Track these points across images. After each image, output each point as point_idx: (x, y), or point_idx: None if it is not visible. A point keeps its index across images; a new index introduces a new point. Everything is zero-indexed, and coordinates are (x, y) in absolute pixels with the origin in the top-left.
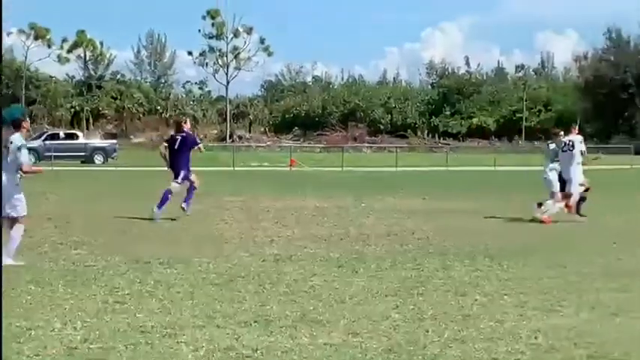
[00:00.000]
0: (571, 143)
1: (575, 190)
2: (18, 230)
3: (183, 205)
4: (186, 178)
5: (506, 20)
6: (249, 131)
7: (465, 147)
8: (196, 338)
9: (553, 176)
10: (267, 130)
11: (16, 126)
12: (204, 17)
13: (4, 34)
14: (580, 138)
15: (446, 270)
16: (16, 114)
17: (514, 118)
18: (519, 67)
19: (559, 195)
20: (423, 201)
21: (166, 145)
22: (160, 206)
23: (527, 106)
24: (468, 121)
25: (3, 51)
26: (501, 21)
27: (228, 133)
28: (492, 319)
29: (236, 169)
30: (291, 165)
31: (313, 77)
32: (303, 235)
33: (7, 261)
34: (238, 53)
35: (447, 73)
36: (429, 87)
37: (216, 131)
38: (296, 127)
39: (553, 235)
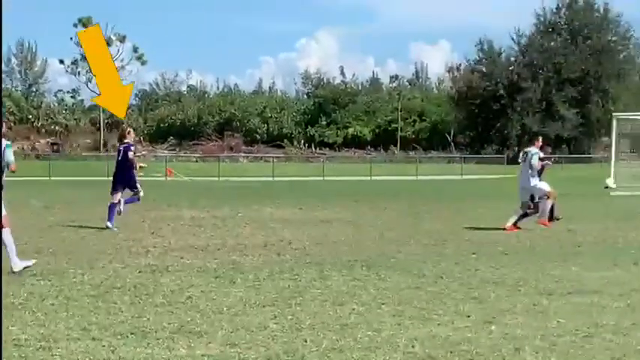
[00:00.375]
0: (526, 154)
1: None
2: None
3: (120, 208)
4: (132, 187)
5: (381, 31)
6: None
7: (341, 157)
8: (71, 351)
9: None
10: (141, 139)
11: None
12: (75, 25)
13: None
14: (535, 150)
15: (323, 280)
16: None
17: (389, 128)
18: (394, 78)
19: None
20: (299, 211)
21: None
22: (110, 219)
23: (402, 116)
24: (344, 130)
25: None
26: (376, 31)
27: (101, 143)
28: (370, 328)
29: (110, 179)
30: (167, 175)
31: (188, 86)
32: (180, 246)
33: (16, 266)
34: None
35: (322, 83)
36: (305, 97)
37: (89, 140)
38: (171, 137)
39: (427, 243)
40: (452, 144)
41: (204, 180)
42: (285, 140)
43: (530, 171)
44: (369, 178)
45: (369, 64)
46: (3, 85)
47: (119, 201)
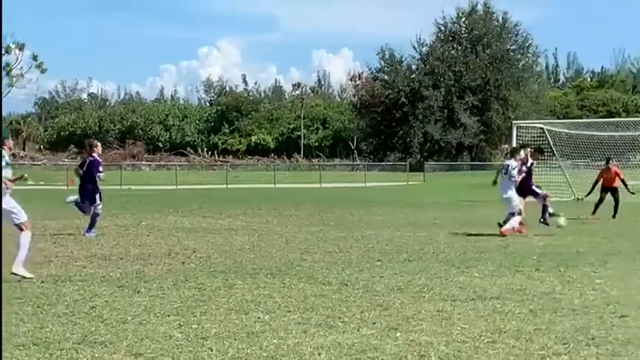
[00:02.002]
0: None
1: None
2: (25, 237)
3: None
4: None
5: (283, 39)
6: (24, 149)
7: (244, 164)
8: None
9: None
10: (42, 147)
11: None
12: None
13: None
14: (515, 163)
15: (228, 288)
16: None
17: (293, 135)
18: (296, 86)
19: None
20: (203, 219)
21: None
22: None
23: (305, 124)
24: (247, 138)
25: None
26: (278, 40)
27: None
28: (276, 336)
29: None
30: (69, 184)
31: (89, 94)
32: (83, 255)
33: (19, 270)
34: (10, 70)
35: (225, 91)
36: (208, 105)
37: None
38: (72, 145)
39: (332, 250)
40: (355, 152)
41: (106, 188)
42: (189, 148)
43: (509, 182)
44: (273, 185)
45: (272, 73)
46: None
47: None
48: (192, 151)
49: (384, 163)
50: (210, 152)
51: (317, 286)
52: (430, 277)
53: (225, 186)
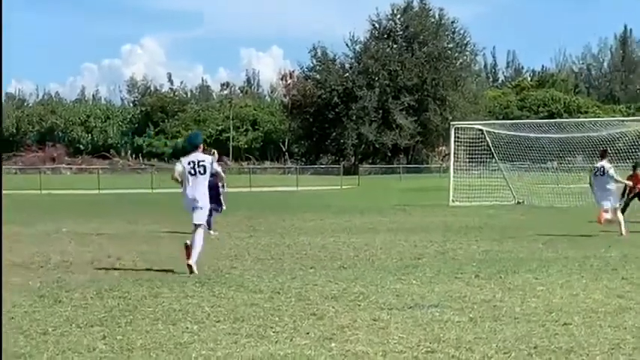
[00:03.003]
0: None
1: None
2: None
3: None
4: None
5: (209, 37)
6: None
7: (170, 168)
8: None
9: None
10: None
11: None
12: None
13: None
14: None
15: (154, 297)
16: (198, 138)
17: (221, 137)
18: (224, 85)
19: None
20: (128, 224)
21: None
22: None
23: (234, 125)
24: (173, 140)
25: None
26: (203, 37)
27: None
28: (205, 347)
29: None
30: None
31: (6, 94)
32: None
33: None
34: None
35: (149, 90)
36: (131, 105)
37: None
38: None
39: (263, 257)
40: (286, 154)
41: (24, 193)
42: (112, 151)
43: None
44: None
45: (198, 72)
46: None
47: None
48: (115, 153)
49: (316, 166)
50: (134, 155)
51: (247, 295)
52: (366, 284)
53: (150, 190)
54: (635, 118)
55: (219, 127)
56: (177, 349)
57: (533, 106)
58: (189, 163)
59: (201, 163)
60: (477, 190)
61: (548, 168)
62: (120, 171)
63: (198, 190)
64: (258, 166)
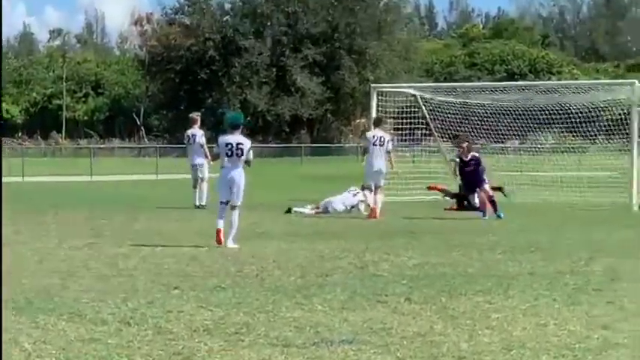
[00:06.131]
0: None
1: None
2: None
3: None
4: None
5: None
6: None
7: None
8: None
9: None
10: None
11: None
12: None
13: None
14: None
15: None
16: (240, 119)
17: (50, 105)
18: (55, 33)
19: None
20: None
21: None
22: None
23: (69, 88)
24: None
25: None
26: None
27: None
28: None
29: None
30: None
31: None
32: None
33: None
34: None
35: None
36: None
37: None
38: None
39: (108, 273)
40: (142, 129)
41: None
42: None
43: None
44: (21, 179)
45: (19, 13)
46: None
47: None
48: None
49: (184, 146)
50: None
51: (85, 327)
52: (252, 311)
53: None
54: (626, 80)
55: (48, 92)
56: None
57: (487, 64)
58: (226, 145)
59: (239, 146)
60: (409, 180)
61: (507, 148)
62: None
63: (236, 170)
64: (103, 146)
